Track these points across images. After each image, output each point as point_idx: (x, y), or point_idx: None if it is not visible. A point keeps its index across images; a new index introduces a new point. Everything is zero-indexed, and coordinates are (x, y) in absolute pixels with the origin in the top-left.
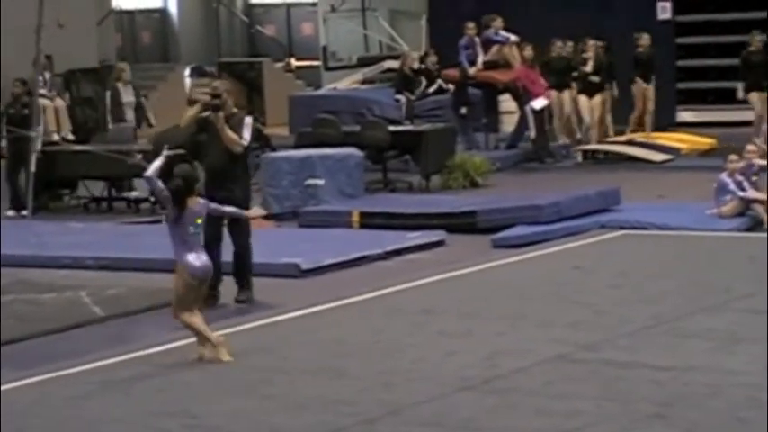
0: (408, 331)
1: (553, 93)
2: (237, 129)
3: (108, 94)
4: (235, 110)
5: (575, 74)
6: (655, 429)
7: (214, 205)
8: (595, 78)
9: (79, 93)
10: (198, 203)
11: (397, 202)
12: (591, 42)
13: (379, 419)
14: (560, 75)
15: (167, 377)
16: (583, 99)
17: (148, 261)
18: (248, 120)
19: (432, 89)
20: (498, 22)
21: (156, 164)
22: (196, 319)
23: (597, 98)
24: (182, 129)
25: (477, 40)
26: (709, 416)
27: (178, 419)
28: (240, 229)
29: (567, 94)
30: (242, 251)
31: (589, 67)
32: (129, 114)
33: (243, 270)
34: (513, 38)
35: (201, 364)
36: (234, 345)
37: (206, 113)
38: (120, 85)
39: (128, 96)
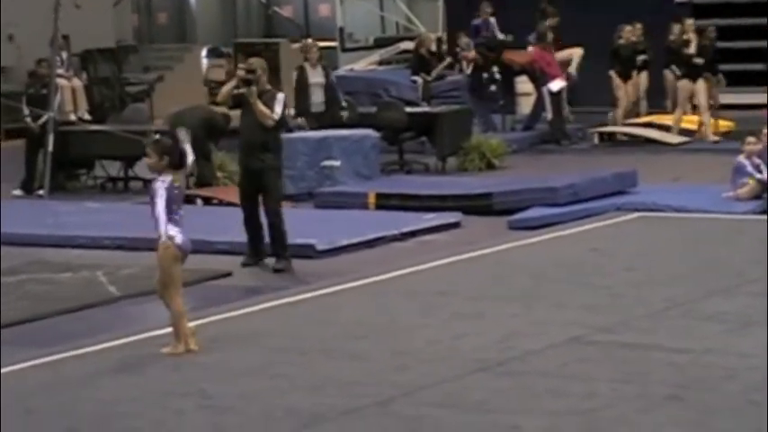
0: (423, 313)
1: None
2: (270, 103)
3: (294, 74)
4: (268, 86)
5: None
6: (670, 411)
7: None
8: (699, 60)
9: (96, 72)
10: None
11: (413, 183)
12: (690, 22)
13: (394, 400)
14: (627, 62)
15: (182, 357)
16: (688, 83)
17: None
18: (280, 95)
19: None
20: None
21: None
22: (180, 302)
23: (702, 83)
24: (218, 102)
25: (492, 21)
26: (724, 398)
27: (193, 400)
28: (271, 199)
29: (630, 83)
30: (275, 221)
31: (692, 49)
32: (318, 96)
33: (278, 239)
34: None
35: (216, 344)
36: (248, 325)
37: (241, 88)
38: (307, 65)
39: (316, 77)
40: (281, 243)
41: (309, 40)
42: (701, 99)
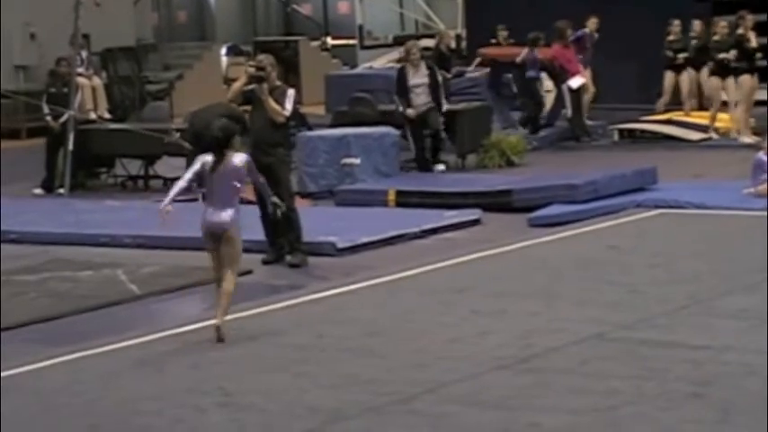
0: (443, 310)
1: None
2: (280, 100)
3: (396, 76)
4: (278, 83)
5: (724, 55)
6: (691, 408)
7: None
8: (731, 56)
9: (116, 71)
10: (237, 157)
11: (433, 180)
12: (750, 17)
13: (415, 398)
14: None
15: (202, 355)
16: (751, 79)
17: (185, 239)
18: (291, 92)
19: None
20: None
21: None
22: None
23: (749, 79)
24: (228, 100)
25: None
26: (744, 395)
27: (212, 397)
28: (284, 193)
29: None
30: (290, 214)
31: (754, 43)
32: (422, 98)
33: (293, 233)
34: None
35: (236, 342)
36: (269, 322)
37: (251, 86)
38: (408, 66)
39: (418, 78)
40: (298, 237)
41: (411, 41)
42: (739, 96)
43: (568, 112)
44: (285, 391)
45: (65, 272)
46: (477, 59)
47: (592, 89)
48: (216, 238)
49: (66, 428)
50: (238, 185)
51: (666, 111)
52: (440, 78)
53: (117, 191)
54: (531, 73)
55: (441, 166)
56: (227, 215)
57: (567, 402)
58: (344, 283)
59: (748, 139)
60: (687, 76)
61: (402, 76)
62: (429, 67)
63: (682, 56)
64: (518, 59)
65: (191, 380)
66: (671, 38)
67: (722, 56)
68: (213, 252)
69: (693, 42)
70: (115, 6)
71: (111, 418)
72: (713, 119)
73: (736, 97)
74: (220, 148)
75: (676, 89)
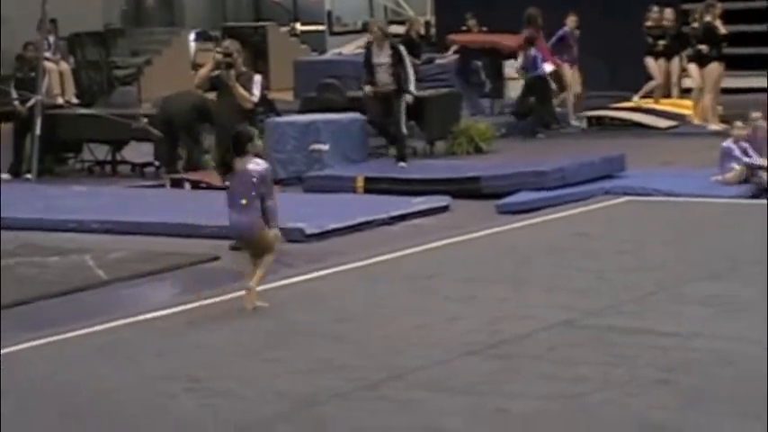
0: (412, 296)
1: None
2: (247, 86)
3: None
4: (244, 68)
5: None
6: (659, 395)
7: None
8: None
9: (84, 56)
10: (252, 163)
11: (402, 167)
12: (719, 5)
13: (383, 384)
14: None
15: (171, 341)
16: (719, 66)
17: (153, 225)
18: (257, 77)
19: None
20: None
21: None
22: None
23: (716, 66)
24: (195, 86)
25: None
26: (712, 382)
27: (182, 383)
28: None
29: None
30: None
31: (723, 31)
32: (385, 78)
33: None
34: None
35: (206, 328)
36: (238, 308)
37: (217, 72)
38: (374, 44)
39: (382, 57)
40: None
41: (375, 20)
42: (708, 83)
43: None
44: (256, 376)
45: (33, 257)
46: (454, 47)
47: (577, 88)
48: (241, 238)
49: (33, 415)
50: (253, 193)
51: (663, 96)
52: (406, 61)
53: (84, 176)
54: (538, 72)
55: (402, 164)
56: (247, 218)
57: (536, 388)
58: (313, 269)
59: (716, 126)
60: (664, 63)
61: (368, 53)
62: (392, 47)
63: (662, 42)
64: (517, 66)
65: (161, 366)
66: (649, 23)
67: (701, 46)
68: (244, 248)
69: (671, 30)
70: None
71: (80, 404)
72: (695, 106)
73: (703, 85)
74: (236, 151)
75: (649, 76)
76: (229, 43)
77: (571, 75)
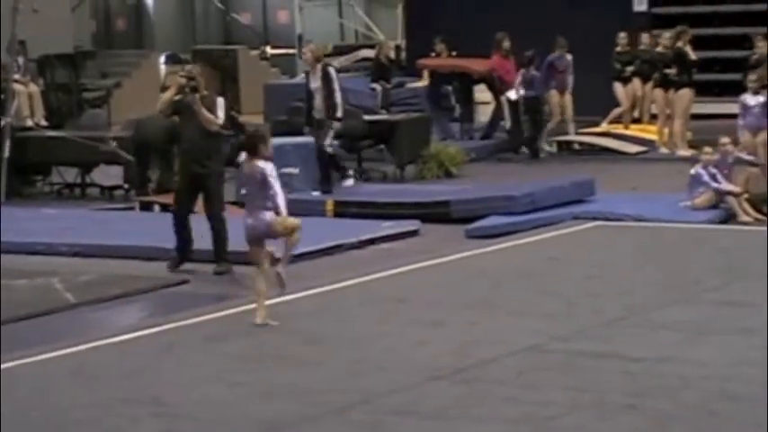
0: (381, 320)
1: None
2: (212, 109)
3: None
4: (206, 92)
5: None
6: (626, 420)
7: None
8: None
9: (53, 78)
10: (261, 165)
11: (372, 191)
12: (689, 31)
13: (350, 408)
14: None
15: (137, 364)
16: (690, 92)
17: (121, 248)
18: (220, 100)
19: None
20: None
21: None
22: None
23: (687, 92)
24: (158, 111)
25: (569, 57)
26: (680, 407)
27: (148, 407)
28: (216, 203)
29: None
30: (220, 226)
31: (693, 56)
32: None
33: (221, 243)
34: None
35: (172, 351)
36: (205, 332)
37: (180, 96)
38: (311, 70)
39: (315, 82)
40: (224, 247)
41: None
42: (678, 109)
43: (507, 123)
44: (221, 400)
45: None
46: (426, 73)
47: (568, 113)
48: (257, 240)
49: None
50: (266, 193)
51: (634, 121)
52: (334, 85)
53: (53, 199)
54: (531, 92)
55: (349, 182)
56: (264, 219)
57: (503, 413)
58: (282, 293)
59: (685, 152)
60: (632, 88)
61: (306, 78)
62: (324, 70)
63: (629, 69)
64: (516, 82)
65: (126, 389)
66: (618, 49)
67: (668, 71)
68: (257, 250)
69: (642, 55)
70: (53, 13)
71: (46, 427)
72: (660, 132)
73: (669, 110)
74: (249, 153)
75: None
76: (191, 67)
77: (559, 101)
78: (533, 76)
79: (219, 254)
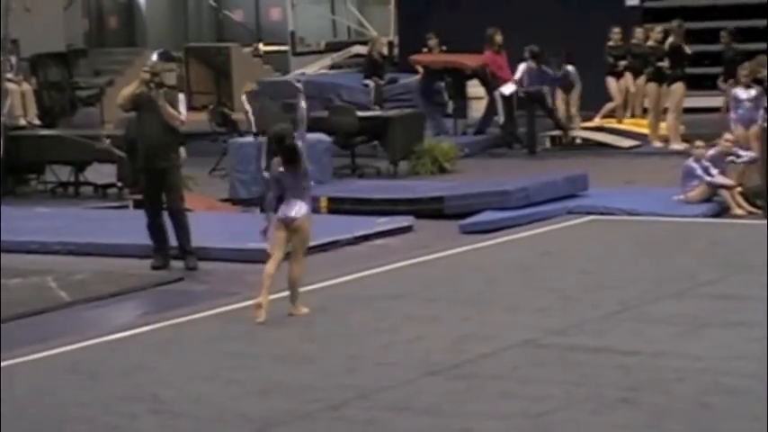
0: (376, 316)
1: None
2: (174, 105)
3: None
4: (166, 88)
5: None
6: (622, 414)
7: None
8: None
9: (46, 77)
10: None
11: (366, 187)
12: (680, 24)
13: (346, 404)
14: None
15: (134, 362)
16: (683, 86)
17: (115, 246)
18: (181, 96)
19: None
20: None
21: None
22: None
23: (680, 86)
24: (117, 105)
25: (571, 69)
26: (675, 401)
27: (145, 404)
28: (177, 197)
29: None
30: (182, 218)
31: (688, 51)
32: None
33: (185, 236)
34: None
35: (168, 349)
36: (201, 330)
37: (140, 91)
38: None
39: None
40: (188, 239)
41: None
42: (671, 103)
43: (500, 119)
44: (217, 398)
45: None
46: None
47: (572, 110)
48: (287, 228)
49: None
50: (307, 184)
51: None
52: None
53: (47, 197)
54: (537, 87)
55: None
56: (305, 209)
57: (499, 408)
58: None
59: (678, 146)
60: (625, 83)
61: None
62: None
63: (622, 63)
64: (517, 75)
65: (123, 387)
66: (611, 44)
67: (661, 64)
68: (282, 238)
69: (634, 49)
70: (45, 11)
71: (43, 425)
72: (653, 126)
73: (663, 104)
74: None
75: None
76: (154, 63)
77: (564, 98)
78: (543, 71)
79: (186, 247)
